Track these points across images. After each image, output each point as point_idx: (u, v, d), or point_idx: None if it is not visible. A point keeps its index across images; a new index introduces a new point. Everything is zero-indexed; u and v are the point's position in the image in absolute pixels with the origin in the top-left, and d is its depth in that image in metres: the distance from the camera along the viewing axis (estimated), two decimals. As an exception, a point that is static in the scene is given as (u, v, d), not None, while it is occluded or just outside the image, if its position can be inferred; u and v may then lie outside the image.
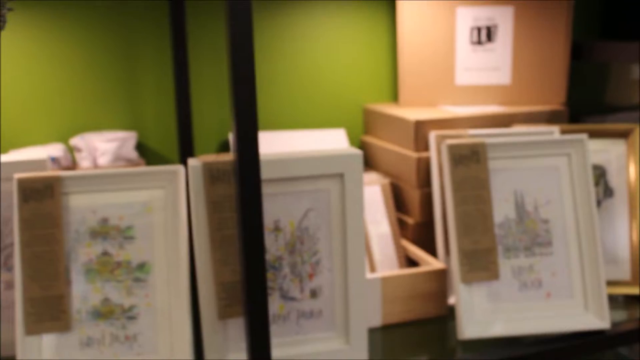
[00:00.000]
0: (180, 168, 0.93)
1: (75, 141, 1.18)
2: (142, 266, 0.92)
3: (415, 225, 1.22)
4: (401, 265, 1.19)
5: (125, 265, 0.92)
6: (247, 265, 0.79)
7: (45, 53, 1.20)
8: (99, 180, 0.92)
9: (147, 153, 1.27)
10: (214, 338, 0.91)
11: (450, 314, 1.09)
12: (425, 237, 1.21)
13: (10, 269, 1.00)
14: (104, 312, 0.91)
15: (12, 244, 1.00)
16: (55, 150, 1.16)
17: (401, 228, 1.24)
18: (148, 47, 1.26)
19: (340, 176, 0.93)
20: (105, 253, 0.92)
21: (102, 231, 0.92)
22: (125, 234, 0.92)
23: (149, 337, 0.91)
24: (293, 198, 0.91)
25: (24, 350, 0.88)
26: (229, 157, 0.90)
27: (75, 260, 0.91)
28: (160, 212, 0.92)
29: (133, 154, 1.19)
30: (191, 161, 0.89)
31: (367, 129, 1.40)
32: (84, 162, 1.16)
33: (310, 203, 0.93)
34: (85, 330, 0.91)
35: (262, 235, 0.79)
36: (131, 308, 0.92)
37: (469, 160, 1.02)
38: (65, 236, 0.91)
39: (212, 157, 0.90)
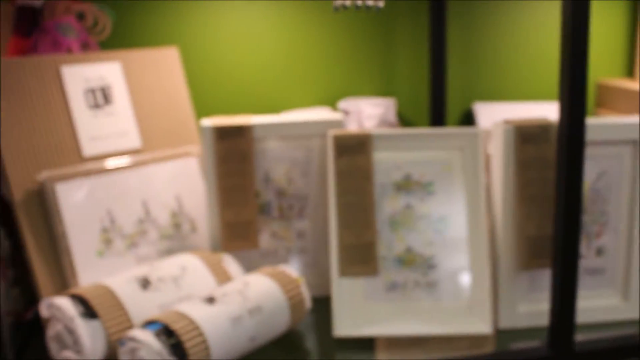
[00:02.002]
0: (480, 131, 0.99)
1: (343, 104, 1.27)
2: (442, 219, 0.99)
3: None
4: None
5: (426, 218, 0.99)
6: (565, 222, 0.85)
7: (314, 25, 1.30)
8: (404, 139, 1.00)
9: (401, 120, 1.35)
10: (510, 288, 0.97)
11: None
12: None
13: (302, 219, 1.09)
14: (407, 260, 0.99)
15: (306, 196, 1.09)
16: (322, 112, 1.26)
17: None
18: (406, 21, 1.33)
19: (634, 143, 0.97)
20: (408, 206, 1.00)
21: (406, 186, 1.00)
22: (426, 189, 1.00)
23: (448, 284, 0.98)
24: (590, 161, 0.96)
25: (337, 291, 0.97)
26: (539, 121, 0.96)
27: (381, 211, 0.99)
28: (459, 171, 0.99)
29: (394, 119, 1.27)
30: (503, 124, 0.95)
31: (600, 103, 1.43)
32: (351, 124, 1.25)
33: (605, 166, 0.98)
34: (390, 275, 0.99)
35: (581, 195, 0.85)
36: (431, 257, 0.99)
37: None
38: (374, 189, 0.99)
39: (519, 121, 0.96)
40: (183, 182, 1.12)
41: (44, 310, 0.89)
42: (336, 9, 1.02)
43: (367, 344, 0.95)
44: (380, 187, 0.99)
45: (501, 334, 0.97)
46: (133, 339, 0.81)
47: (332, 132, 0.98)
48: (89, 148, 1.07)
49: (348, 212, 0.98)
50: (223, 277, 0.99)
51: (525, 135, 0.94)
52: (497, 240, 0.97)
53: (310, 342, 0.99)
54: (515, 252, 0.96)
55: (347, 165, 0.98)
